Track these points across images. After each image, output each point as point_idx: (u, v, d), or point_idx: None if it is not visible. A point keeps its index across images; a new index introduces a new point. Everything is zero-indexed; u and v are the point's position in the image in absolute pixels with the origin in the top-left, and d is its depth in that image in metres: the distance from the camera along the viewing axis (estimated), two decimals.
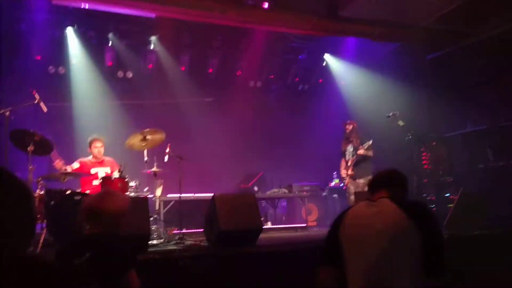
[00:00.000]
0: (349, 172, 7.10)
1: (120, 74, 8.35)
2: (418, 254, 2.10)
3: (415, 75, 8.56)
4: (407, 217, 2.14)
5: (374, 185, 2.46)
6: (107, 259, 2.52)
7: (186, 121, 8.61)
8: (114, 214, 2.64)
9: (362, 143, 6.96)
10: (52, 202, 4.83)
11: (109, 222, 2.61)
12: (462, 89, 8.16)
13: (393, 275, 2.10)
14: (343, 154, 7.35)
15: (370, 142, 6.81)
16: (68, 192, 4.89)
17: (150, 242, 4.77)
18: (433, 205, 8.68)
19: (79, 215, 2.63)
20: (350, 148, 7.18)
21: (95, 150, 6.15)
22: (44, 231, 4.65)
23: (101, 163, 6.20)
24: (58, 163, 5.62)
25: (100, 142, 6.19)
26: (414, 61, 8.64)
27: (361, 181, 7.02)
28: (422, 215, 2.19)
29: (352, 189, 7.06)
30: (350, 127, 7.21)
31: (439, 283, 2.15)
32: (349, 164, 7.14)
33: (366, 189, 6.69)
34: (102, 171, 6.10)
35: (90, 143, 6.17)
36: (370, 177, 6.81)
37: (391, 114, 6.59)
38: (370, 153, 6.92)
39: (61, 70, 7.97)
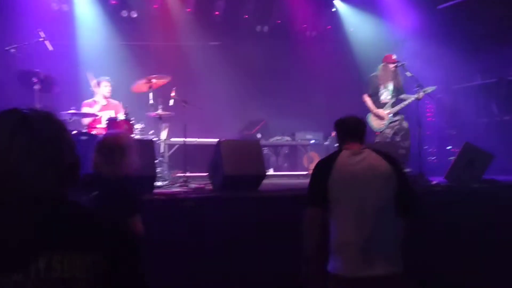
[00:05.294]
0: (391, 111, 6.40)
1: (124, 13, 8.16)
2: (395, 196, 2.43)
3: (426, 25, 8.35)
4: (388, 163, 2.45)
5: (353, 136, 2.63)
6: (113, 200, 2.58)
7: (191, 65, 8.50)
8: (124, 153, 2.68)
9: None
10: None
11: (118, 161, 2.66)
12: (474, 41, 7.98)
13: (380, 215, 2.40)
14: (374, 92, 6.47)
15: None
16: (74, 132, 4.94)
17: (155, 184, 4.87)
18: (434, 157, 8.78)
19: (94, 152, 2.66)
20: (390, 87, 6.48)
21: (105, 89, 6.13)
22: None
23: (106, 106, 6.18)
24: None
25: (109, 83, 6.18)
26: (424, 10, 8.39)
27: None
28: (396, 162, 2.50)
29: (388, 131, 6.42)
30: (394, 65, 6.38)
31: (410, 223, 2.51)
32: (388, 104, 6.44)
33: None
34: (106, 114, 6.11)
35: (99, 83, 6.14)
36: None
37: (399, 64, 6.46)
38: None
39: (64, 7, 7.79)
